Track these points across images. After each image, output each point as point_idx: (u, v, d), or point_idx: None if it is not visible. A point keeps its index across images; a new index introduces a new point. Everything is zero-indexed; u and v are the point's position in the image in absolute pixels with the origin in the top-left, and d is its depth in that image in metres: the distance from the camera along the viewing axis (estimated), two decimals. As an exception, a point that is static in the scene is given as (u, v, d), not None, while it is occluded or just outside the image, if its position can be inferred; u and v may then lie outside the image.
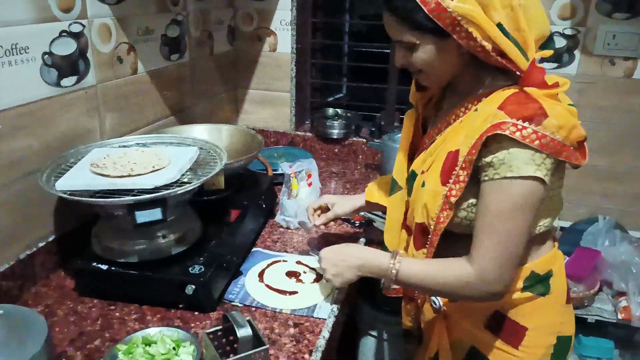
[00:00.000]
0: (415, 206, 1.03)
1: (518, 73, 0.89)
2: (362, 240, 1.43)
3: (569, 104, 0.90)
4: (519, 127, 0.84)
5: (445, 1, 0.85)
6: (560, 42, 1.81)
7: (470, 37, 0.86)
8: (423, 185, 1.00)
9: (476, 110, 0.94)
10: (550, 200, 0.97)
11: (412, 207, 1.06)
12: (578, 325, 1.88)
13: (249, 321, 0.84)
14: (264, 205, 1.49)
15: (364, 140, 2.09)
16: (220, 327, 0.88)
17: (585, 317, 1.85)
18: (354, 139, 2.11)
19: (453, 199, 0.92)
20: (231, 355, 0.82)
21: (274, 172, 1.73)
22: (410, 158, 1.14)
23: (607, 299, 1.90)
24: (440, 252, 0.98)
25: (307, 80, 2.24)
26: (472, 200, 0.93)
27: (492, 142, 0.86)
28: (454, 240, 0.97)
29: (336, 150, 2.13)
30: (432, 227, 0.97)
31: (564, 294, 1.07)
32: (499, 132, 0.84)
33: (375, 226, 1.31)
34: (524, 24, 0.87)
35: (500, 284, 0.91)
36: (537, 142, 0.83)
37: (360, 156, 2.11)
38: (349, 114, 2.20)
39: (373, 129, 2.09)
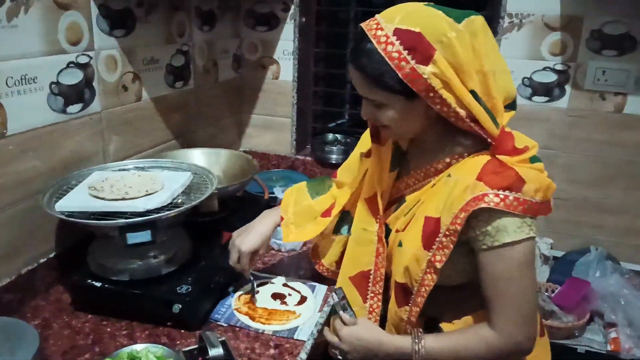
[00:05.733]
0: (394, 265, 1.07)
1: (489, 140, 0.93)
2: None
3: (534, 158, 0.94)
4: (501, 196, 0.88)
5: (421, 67, 0.87)
6: (550, 77, 1.86)
7: (444, 103, 0.90)
8: (400, 245, 1.03)
9: (449, 176, 0.97)
10: None
11: (388, 262, 1.10)
12: (569, 356, 1.91)
13: (223, 342, 0.90)
14: (256, 228, 1.55)
15: (362, 166, 2.15)
16: (196, 346, 0.94)
17: (575, 347, 1.87)
18: (352, 164, 2.17)
19: (439, 264, 0.95)
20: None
21: (271, 195, 1.79)
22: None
23: (598, 330, 1.91)
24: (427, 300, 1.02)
25: (309, 107, 2.32)
26: (456, 262, 0.97)
27: (480, 212, 0.90)
28: (438, 290, 1.00)
29: (334, 174, 2.19)
30: (415, 288, 1.01)
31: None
32: (483, 205, 0.88)
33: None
34: (494, 90, 0.91)
35: (529, 340, 0.95)
36: (520, 207, 0.88)
37: (358, 181, 2.17)
38: (348, 140, 2.27)
39: (370, 156, 2.15)
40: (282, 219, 1.27)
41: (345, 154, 2.17)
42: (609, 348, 1.82)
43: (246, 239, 1.22)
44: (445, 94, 0.88)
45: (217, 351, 0.85)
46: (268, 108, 2.22)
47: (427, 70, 0.87)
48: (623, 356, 1.78)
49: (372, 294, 1.16)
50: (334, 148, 2.18)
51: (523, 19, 1.82)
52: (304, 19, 2.07)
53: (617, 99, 1.83)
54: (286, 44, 2.08)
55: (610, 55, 1.78)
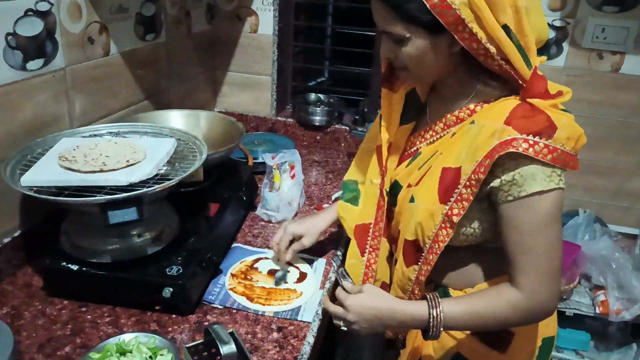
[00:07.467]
0: (403, 222, 0.99)
1: (520, 82, 0.85)
2: None
3: (563, 110, 0.87)
4: (531, 142, 0.80)
5: None
6: (549, 34, 1.77)
7: (474, 39, 0.82)
8: (412, 200, 0.95)
9: (472, 123, 0.89)
10: None
11: (396, 220, 1.02)
12: (558, 319, 1.91)
13: (231, 333, 0.79)
14: (244, 198, 1.42)
15: (347, 128, 2.03)
16: (201, 341, 0.82)
17: (564, 310, 1.87)
18: (337, 126, 2.05)
19: (456, 218, 0.88)
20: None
21: (254, 161, 1.66)
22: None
23: (585, 292, 1.92)
24: (435, 266, 0.95)
25: (289, 64, 2.16)
26: (473, 218, 0.90)
27: (507, 159, 0.82)
28: (447, 253, 0.93)
29: (318, 137, 2.06)
30: (427, 245, 0.93)
31: None
32: (511, 150, 0.80)
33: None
34: (528, 28, 0.82)
35: (554, 300, 0.88)
36: (549, 156, 0.81)
37: (343, 144, 2.05)
38: (331, 100, 2.14)
39: (357, 117, 2.03)
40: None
41: (329, 115, 2.04)
42: (597, 311, 1.82)
43: (295, 223, 1.20)
44: (475, 28, 0.81)
45: (230, 348, 0.75)
46: (245, 65, 2.04)
47: (457, 0, 0.79)
48: (612, 318, 1.79)
49: (371, 249, 1.11)
50: (317, 109, 2.04)
51: (523, -30, 1.71)
52: (284, -35, 1.89)
53: (615, 58, 1.76)
54: (266, -7, 1.90)
55: (611, 11, 1.70)
